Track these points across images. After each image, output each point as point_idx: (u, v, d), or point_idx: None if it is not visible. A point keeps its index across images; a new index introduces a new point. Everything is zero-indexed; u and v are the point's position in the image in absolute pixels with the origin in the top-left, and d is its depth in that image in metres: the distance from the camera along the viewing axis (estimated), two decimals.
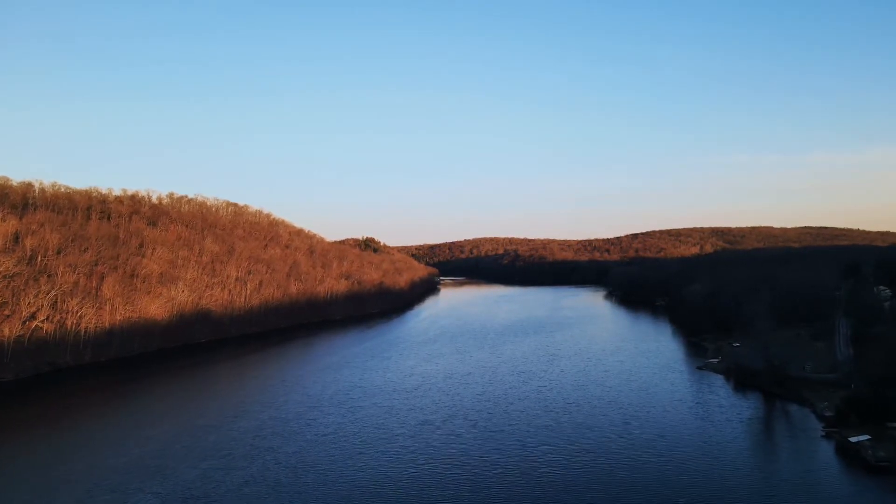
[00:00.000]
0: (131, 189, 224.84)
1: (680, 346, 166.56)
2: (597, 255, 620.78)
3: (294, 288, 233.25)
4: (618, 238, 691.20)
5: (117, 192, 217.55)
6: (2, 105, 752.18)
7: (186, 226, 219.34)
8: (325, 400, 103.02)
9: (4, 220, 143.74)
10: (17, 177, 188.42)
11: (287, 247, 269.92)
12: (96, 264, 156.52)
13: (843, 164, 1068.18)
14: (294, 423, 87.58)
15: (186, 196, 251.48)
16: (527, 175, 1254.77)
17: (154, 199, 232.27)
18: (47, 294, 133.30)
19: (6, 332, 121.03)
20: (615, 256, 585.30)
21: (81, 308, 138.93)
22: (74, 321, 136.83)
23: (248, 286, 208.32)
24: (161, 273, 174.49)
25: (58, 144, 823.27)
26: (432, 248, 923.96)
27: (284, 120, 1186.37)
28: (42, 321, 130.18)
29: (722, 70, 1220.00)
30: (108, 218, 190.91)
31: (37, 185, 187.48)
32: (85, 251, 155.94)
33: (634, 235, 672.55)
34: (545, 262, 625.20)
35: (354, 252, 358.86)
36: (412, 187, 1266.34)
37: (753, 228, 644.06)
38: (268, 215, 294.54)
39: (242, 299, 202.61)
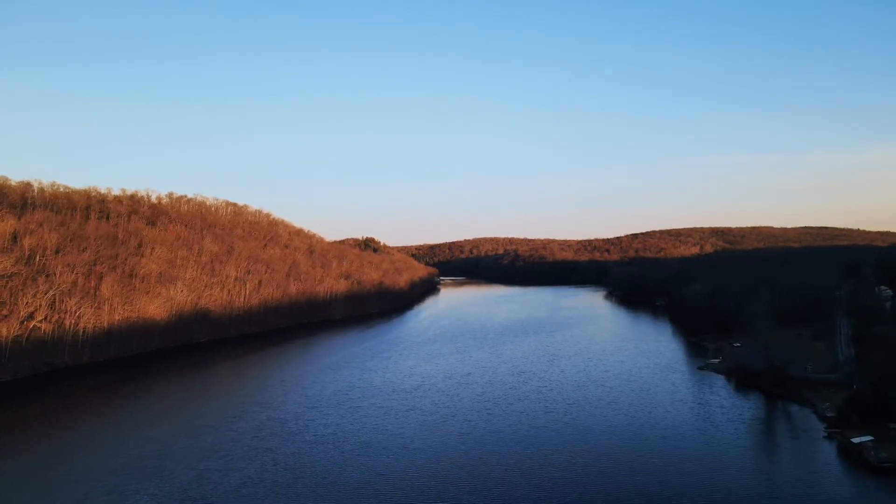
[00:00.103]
0: (130, 189, 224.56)
1: (680, 346, 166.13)
2: (597, 255, 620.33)
3: (293, 288, 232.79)
4: (618, 238, 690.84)
5: (116, 191, 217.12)
6: (2, 105, 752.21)
7: (186, 225, 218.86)
8: (324, 400, 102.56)
9: (3, 220, 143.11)
10: (16, 177, 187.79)
11: (286, 247, 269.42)
12: (95, 264, 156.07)
13: (843, 164, 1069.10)
14: (293, 424, 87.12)
15: (186, 196, 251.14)
16: (527, 175, 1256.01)
17: (153, 199, 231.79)
18: (45, 294, 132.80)
19: (4, 332, 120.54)
20: (615, 256, 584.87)
21: (80, 308, 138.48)
22: (73, 321, 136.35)
23: (248, 286, 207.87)
24: (160, 273, 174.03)
25: (57, 144, 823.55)
26: (432, 248, 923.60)
27: (284, 120, 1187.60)
28: (40, 321, 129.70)
29: (722, 70, 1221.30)
30: (107, 218, 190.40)
31: (36, 185, 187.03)
32: (83, 251, 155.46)
33: (634, 235, 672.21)
34: (545, 262, 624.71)
35: (354, 252, 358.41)
36: (412, 187, 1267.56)
37: (753, 228, 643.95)
38: (267, 215, 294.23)
39: (241, 299, 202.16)
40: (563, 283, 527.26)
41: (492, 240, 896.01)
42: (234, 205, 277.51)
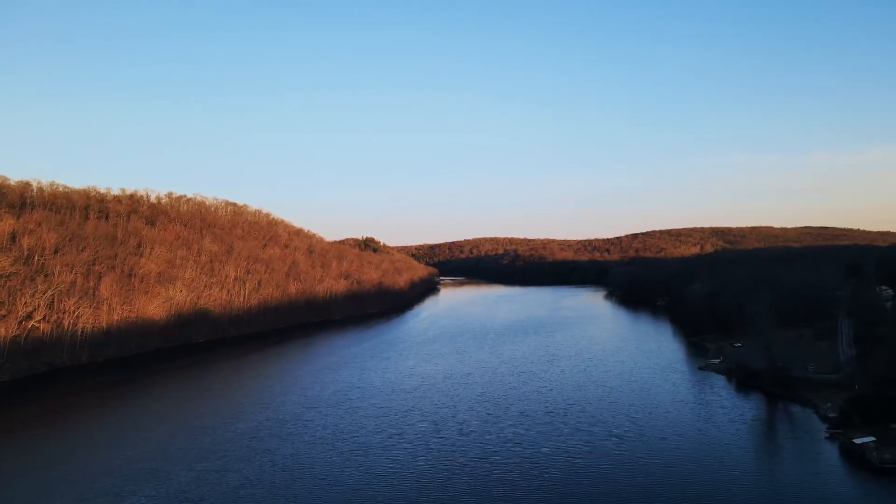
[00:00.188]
0: (130, 189, 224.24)
1: (681, 346, 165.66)
2: (597, 255, 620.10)
3: (293, 288, 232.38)
4: (618, 238, 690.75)
5: (116, 191, 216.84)
6: (2, 105, 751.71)
7: (185, 225, 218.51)
8: (324, 401, 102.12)
9: (1, 220, 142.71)
10: (15, 176, 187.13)
11: (286, 246, 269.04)
12: (94, 264, 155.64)
13: (843, 164, 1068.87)
14: (291, 425, 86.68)
15: (185, 196, 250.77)
16: (527, 175, 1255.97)
17: (153, 199, 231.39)
18: (44, 294, 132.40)
19: (2, 332, 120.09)
20: (615, 256, 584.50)
21: (78, 308, 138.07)
22: (71, 321, 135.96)
23: (247, 286, 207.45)
24: (159, 273, 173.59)
25: (57, 144, 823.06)
26: (432, 248, 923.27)
27: (284, 120, 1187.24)
28: (39, 321, 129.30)
29: (722, 70, 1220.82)
30: (107, 217, 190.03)
31: (35, 185, 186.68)
32: (82, 251, 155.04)
33: (634, 235, 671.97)
34: (545, 262, 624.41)
35: (354, 252, 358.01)
36: (412, 187, 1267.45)
37: (753, 228, 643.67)
38: (267, 215, 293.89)
39: (241, 299, 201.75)
40: (563, 283, 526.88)
41: (492, 240, 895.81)
42: (234, 205, 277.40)
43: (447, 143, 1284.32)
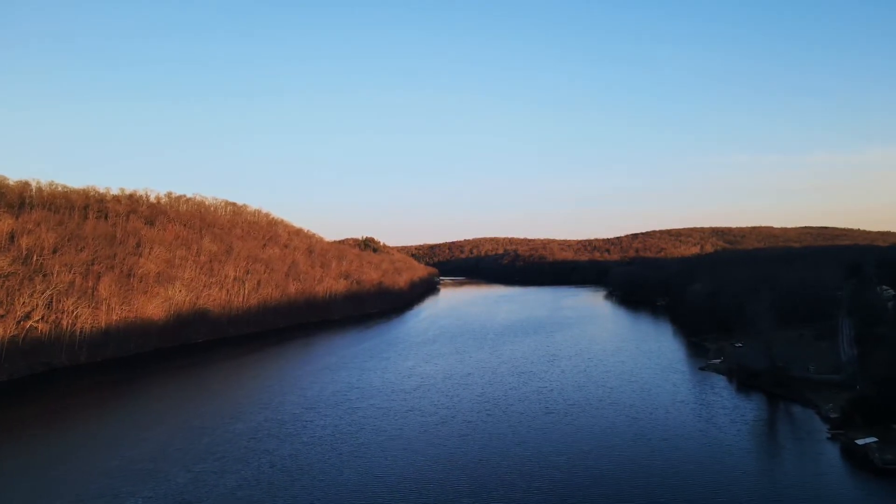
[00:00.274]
0: (129, 188, 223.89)
1: (681, 346, 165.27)
2: (597, 255, 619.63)
3: (293, 288, 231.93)
4: (618, 238, 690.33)
5: (115, 191, 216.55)
6: (2, 105, 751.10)
7: (184, 225, 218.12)
8: (323, 401, 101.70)
9: (0, 220, 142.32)
10: (15, 176, 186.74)
11: (286, 246, 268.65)
12: (93, 264, 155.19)
13: (843, 164, 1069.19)
14: (290, 425, 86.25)
15: (185, 195, 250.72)
16: (527, 175, 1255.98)
17: (152, 199, 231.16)
18: (42, 294, 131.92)
19: (0, 332, 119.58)
20: (615, 256, 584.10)
21: (77, 308, 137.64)
22: (70, 321, 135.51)
23: (247, 286, 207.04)
24: (158, 273, 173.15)
25: (57, 144, 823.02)
26: (432, 248, 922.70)
27: (284, 120, 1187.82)
28: (37, 321, 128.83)
29: (722, 70, 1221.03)
30: (106, 217, 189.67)
31: (34, 185, 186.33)
32: (81, 250, 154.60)
33: (634, 235, 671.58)
34: (545, 262, 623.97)
35: (354, 252, 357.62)
36: (412, 187, 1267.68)
37: (754, 228, 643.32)
38: (266, 215, 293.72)
39: (240, 299, 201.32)
40: (563, 283, 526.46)
41: (492, 240, 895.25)
42: (234, 204, 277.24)
43: (447, 143, 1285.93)
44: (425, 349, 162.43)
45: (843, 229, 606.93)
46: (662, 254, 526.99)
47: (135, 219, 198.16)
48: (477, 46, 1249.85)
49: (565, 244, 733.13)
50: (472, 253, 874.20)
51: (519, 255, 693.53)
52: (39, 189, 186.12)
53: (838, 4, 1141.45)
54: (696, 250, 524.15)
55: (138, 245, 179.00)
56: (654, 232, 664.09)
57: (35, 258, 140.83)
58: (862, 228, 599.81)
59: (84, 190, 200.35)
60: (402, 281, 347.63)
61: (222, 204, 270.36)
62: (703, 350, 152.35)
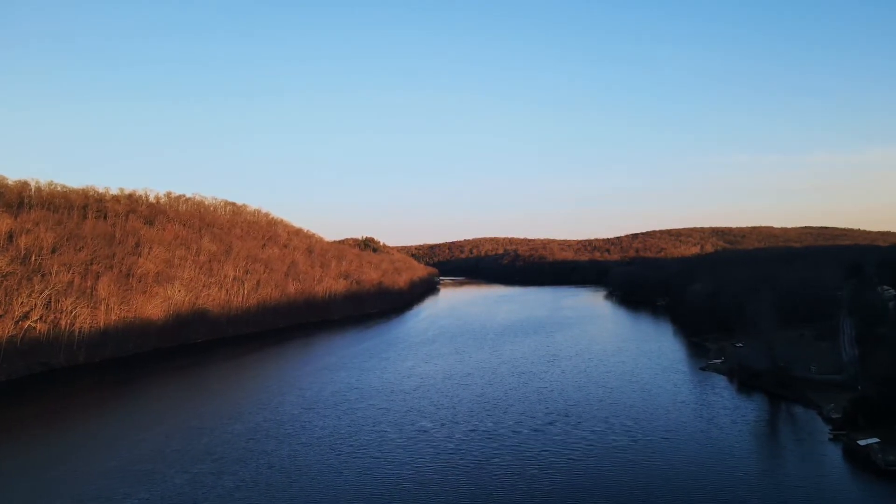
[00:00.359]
0: (129, 188, 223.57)
1: (682, 346, 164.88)
2: (597, 255, 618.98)
3: (292, 287, 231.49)
4: (618, 238, 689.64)
5: (114, 191, 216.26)
6: (2, 105, 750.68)
7: (184, 225, 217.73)
8: (322, 401, 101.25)
9: None
10: (15, 176, 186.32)
11: (285, 246, 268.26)
12: (91, 263, 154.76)
13: (843, 164, 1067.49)
14: (289, 426, 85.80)
15: (184, 195, 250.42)
16: (527, 175, 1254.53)
17: (151, 199, 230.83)
18: (41, 294, 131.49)
19: None
20: (615, 256, 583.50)
21: (76, 308, 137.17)
22: (68, 321, 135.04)
23: (246, 286, 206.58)
24: (157, 272, 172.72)
25: (57, 144, 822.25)
26: (432, 248, 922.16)
27: (284, 120, 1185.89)
28: (35, 321, 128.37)
29: (722, 70, 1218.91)
30: (105, 217, 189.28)
31: (33, 184, 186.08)
32: (80, 250, 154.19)
33: (634, 235, 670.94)
34: (545, 262, 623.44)
35: (353, 252, 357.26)
36: (412, 187, 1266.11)
37: (754, 228, 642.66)
38: (266, 214, 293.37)
39: (240, 299, 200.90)
40: (563, 283, 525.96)
41: (492, 240, 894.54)
42: (233, 204, 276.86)
43: (447, 143, 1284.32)
44: (425, 349, 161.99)
45: (844, 229, 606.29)
46: (662, 254, 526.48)
47: (134, 218, 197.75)
48: (477, 46, 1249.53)
49: (565, 244, 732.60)
50: (472, 253, 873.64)
51: (519, 255, 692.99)
52: (38, 189, 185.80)
53: (838, 4, 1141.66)
54: (696, 250, 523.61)
55: (137, 245, 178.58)
56: (654, 232, 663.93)
57: (34, 258, 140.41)
58: (862, 228, 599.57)
59: (83, 190, 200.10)
60: (401, 281, 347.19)
61: (222, 204, 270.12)
62: (704, 350, 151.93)
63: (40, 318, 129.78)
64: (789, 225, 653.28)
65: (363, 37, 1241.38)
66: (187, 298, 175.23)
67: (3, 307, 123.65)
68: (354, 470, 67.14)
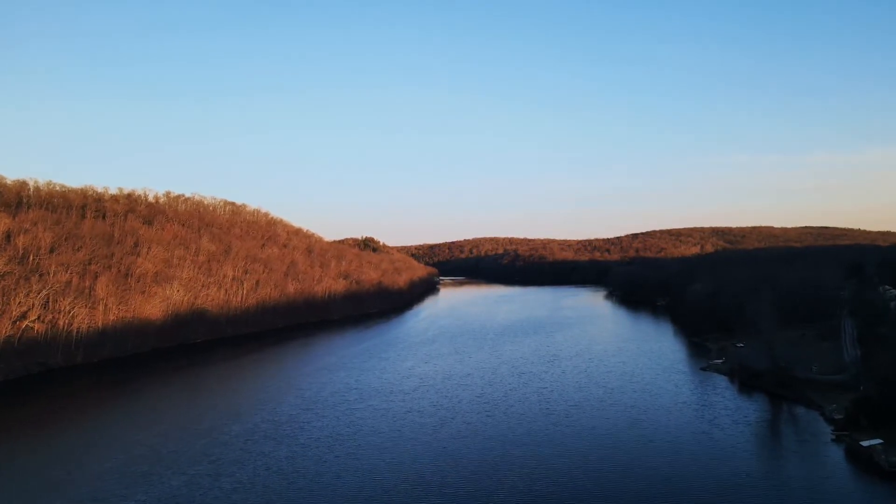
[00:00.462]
0: (127, 188, 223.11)
1: (682, 346, 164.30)
2: (597, 255, 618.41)
3: (291, 287, 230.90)
4: (618, 238, 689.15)
5: (113, 190, 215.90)
6: (1, 104, 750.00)
7: (183, 225, 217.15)
8: (321, 402, 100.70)
9: None
10: (14, 176, 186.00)
11: (285, 246, 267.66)
12: (90, 263, 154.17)
13: (843, 164, 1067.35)
14: (287, 427, 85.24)
15: (183, 195, 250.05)
16: (527, 175, 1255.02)
17: (150, 198, 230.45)
18: (39, 293, 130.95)
19: None
20: (615, 256, 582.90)
21: (74, 308, 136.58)
22: (66, 321, 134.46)
23: (245, 286, 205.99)
24: (156, 272, 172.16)
25: (57, 143, 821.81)
26: (432, 248, 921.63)
27: (284, 119, 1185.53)
28: (33, 321, 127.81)
29: (722, 70, 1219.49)
30: (104, 217, 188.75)
31: (31, 184, 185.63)
32: (78, 250, 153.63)
33: (634, 235, 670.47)
34: (545, 262, 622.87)
35: (353, 252, 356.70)
36: (412, 187, 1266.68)
37: (754, 228, 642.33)
38: (265, 214, 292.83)
39: (239, 299, 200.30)
40: (563, 283, 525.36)
41: (492, 240, 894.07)
42: (233, 204, 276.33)
43: (447, 143, 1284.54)
44: (424, 349, 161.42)
45: (844, 229, 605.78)
46: (662, 254, 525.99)
47: (133, 218, 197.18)
48: (477, 46, 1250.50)
49: (565, 244, 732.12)
50: (472, 253, 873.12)
51: (519, 255, 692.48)
52: (37, 188, 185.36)
53: (838, 4, 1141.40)
54: (696, 250, 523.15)
55: (136, 245, 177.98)
56: (654, 232, 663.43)
57: (32, 258, 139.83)
58: (862, 228, 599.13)
59: (82, 189, 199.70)
60: (401, 281, 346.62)
61: (221, 203, 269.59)
62: (705, 350, 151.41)
63: (38, 318, 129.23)
64: (789, 225, 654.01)
65: (363, 36, 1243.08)
66: (186, 298, 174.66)
67: (0, 307, 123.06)
68: (353, 471, 66.59)
